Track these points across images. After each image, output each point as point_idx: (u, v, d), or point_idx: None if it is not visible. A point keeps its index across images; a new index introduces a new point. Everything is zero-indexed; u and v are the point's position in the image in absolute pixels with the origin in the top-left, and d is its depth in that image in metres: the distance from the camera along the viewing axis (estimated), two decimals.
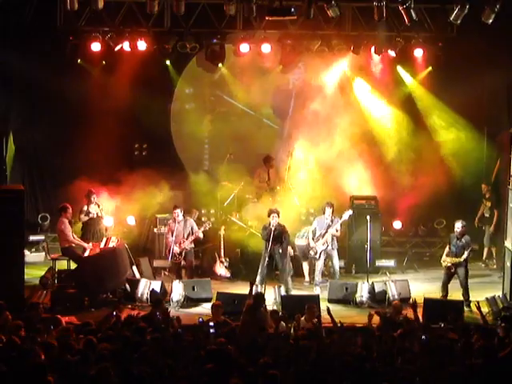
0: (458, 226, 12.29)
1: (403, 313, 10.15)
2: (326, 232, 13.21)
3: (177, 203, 13.73)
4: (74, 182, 13.89)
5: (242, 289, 12.22)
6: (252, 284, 10.52)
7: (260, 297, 10.34)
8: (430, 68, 15.21)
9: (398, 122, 15.66)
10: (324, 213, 13.32)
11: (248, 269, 13.75)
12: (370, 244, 13.24)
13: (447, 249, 12.47)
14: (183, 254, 13.33)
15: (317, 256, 13.27)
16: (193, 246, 13.50)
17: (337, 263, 13.38)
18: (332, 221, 13.26)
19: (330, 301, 12.42)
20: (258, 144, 15.87)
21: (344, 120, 15.10)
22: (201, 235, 13.37)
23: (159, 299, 10.92)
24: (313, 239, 13.29)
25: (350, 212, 13.46)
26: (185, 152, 16.74)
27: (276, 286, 12.44)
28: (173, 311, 11.31)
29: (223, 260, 14.09)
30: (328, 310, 9.35)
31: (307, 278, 13.84)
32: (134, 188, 14.04)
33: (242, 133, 15.89)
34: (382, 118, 15.77)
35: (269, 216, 12.57)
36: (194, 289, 12.48)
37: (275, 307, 11.63)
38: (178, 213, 13.28)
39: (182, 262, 13.39)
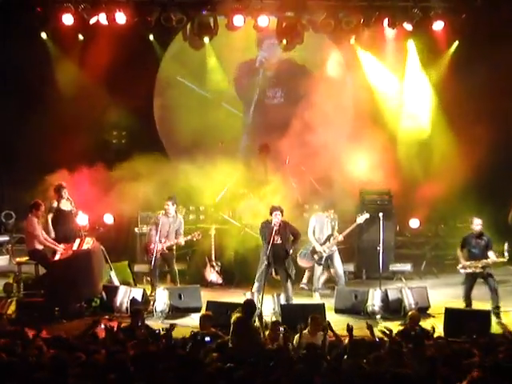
0: (478, 222, 12.26)
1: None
2: (332, 235, 13.28)
3: (171, 195, 13.60)
4: (43, 176, 13.87)
5: (235, 297, 12.31)
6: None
7: (250, 305, 10.27)
8: (457, 43, 15.27)
9: (415, 104, 15.86)
10: (324, 210, 13.40)
11: (243, 274, 13.79)
12: (382, 245, 13.13)
13: (459, 252, 12.43)
14: (160, 254, 13.13)
15: (322, 261, 13.35)
16: (173, 248, 13.37)
17: (340, 266, 13.39)
18: (333, 219, 13.34)
19: (336, 311, 12.45)
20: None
21: (348, 101, 15.21)
22: (182, 241, 13.30)
23: (137, 309, 10.86)
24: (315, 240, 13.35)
25: (367, 215, 13.43)
26: (170, 141, 16.75)
27: (275, 294, 12.39)
28: (158, 323, 11.29)
29: (214, 264, 14.10)
30: (328, 324, 9.43)
31: (305, 280, 13.88)
32: (112, 182, 14.06)
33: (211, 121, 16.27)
34: (394, 99, 15.89)
35: (271, 214, 12.52)
36: (180, 297, 12.47)
37: (274, 318, 11.63)
38: (170, 205, 13.17)
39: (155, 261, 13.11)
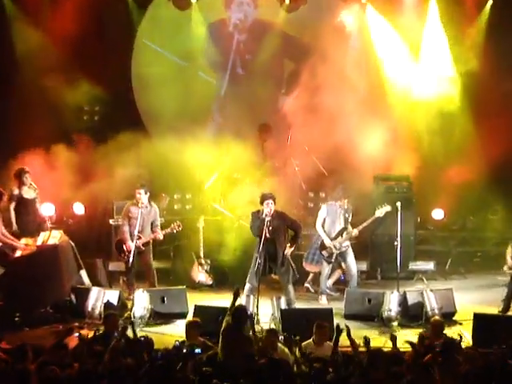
0: None
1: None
2: (345, 229, 13.26)
3: (143, 182, 13.60)
4: (2, 160, 13.96)
5: (228, 301, 12.11)
6: (236, 294, 10.43)
7: (241, 312, 10.19)
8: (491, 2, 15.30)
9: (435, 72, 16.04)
10: (336, 199, 13.35)
11: (236, 274, 13.75)
12: (400, 240, 13.13)
13: (510, 249, 12.48)
14: (136, 252, 13.07)
15: (332, 259, 13.35)
16: (150, 244, 13.31)
17: (353, 265, 13.38)
18: (346, 210, 13.33)
19: (346, 316, 12.38)
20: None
21: (355, 69, 15.58)
22: (160, 235, 13.23)
23: (110, 313, 10.79)
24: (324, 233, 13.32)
25: (388, 208, 13.40)
26: (150, 116, 16.85)
27: (274, 298, 12.34)
28: (136, 331, 11.17)
29: (203, 262, 14.11)
30: (348, 331, 9.29)
31: (310, 279, 13.98)
32: (84, 165, 14.12)
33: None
34: (408, 67, 16.08)
35: (262, 203, 12.46)
36: (163, 301, 12.43)
37: (273, 325, 11.55)
38: (142, 194, 13.11)
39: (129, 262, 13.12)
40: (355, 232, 13.34)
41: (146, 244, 13.15)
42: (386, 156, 15.03)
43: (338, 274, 13.87)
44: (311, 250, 14.06)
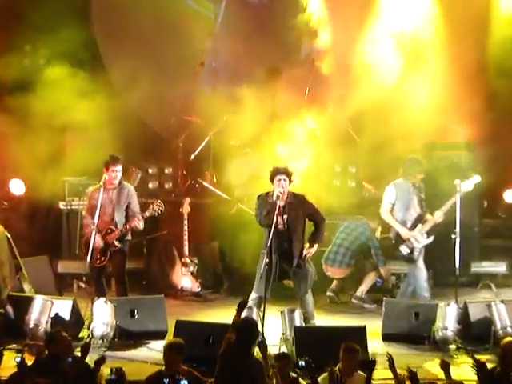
0: None
1: None
2: (424, 214, 13.29)
3: (112, 154, 13.34)
4: None
5: (222, 314, 12.44)
6: (242, 306, 10.40)
7: (250, 327, 10.12)
8: None
9: None
10: (408, 176, 13.38)
11: (235, 278, 14.18)
12: (460, 232, 13.14)
13: None
14: (109, 251, 13.17)
15: (414, 255, 13.36)
16: (128, 237, 13.37)
17: (423, 268, 13.40)
18: (420, 190, 13.47)
19: (386, 337, 12.50)
20: None
21: None
22: (140, 226, 13.22)
23: (56, 332, 10.69)
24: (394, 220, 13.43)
25: (477, 179, 13.54)
26: (112, 48, 16.95)
27: (285, 310, 12.34)
28: (96, 355, 11.10)
29: (188, 261, 14.30)
30: (390, 360, 9.26)
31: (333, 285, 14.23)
32: (21, 129, 14.20)
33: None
34: None
35: (272, 180, 12.50)
36: (133, 314, 12.51)
37: (285, 348, 11.64)
38: (119, 172, 13.03)
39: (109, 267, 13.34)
40: (439, 215, 13.32)
41: (120, 239, 13.14)
42: (440, 119, 15.34)
43: (372, 277, 13.92)
44: (333, 247, 14.19)
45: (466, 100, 15.16)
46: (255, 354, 9.95)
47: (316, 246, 12.49)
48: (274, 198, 12.24)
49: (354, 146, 15.52)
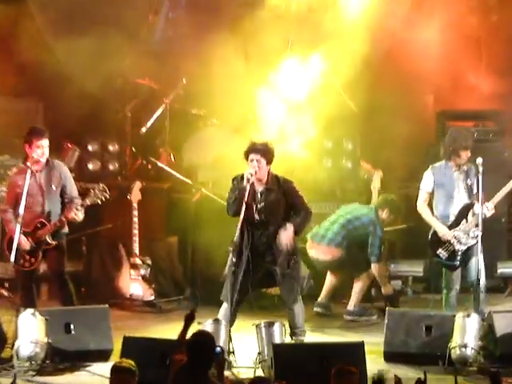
0: None
1: None
2: (471, 206, 13.23)
3: (34, 125, 13.70)
4: None
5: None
6: (190, 318, 10.30)
7: (202, 342, 10.14)
8: None
9: None
10: (448, 157, 13.32)
11: (197, 284, 14.63)
12: (482, 225, 13.19)
13: None
14: (41, 250, 13.19)
15: (456, 261, 13.37)
16: (65, 231, 13.40)
17: (481, 269, 13.25)
18: (468, 174, 13.26)
19: (387, 356, 12.46)
20: None
21: None
22: (79, 217, 13.19)
23: None
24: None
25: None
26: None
27: (262, 323, 12.39)
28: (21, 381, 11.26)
29: (138, 262, 14.43)
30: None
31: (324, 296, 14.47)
32: None
33: None
34: None
35: (246, 158, 12.55)
36: (69, 329, 12.49)
37: (261, 371, 11.77)
38: (46, 147, 13.02)
39: (40, 269, 13.27)
40: (490, 207, 13.09)
41: (55, 233, 13.18)
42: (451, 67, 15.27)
43: (363, 282, 14.41)
44: (326, 222, 14.79)
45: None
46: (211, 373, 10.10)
47: (290, 230, 12.54)
48: (245, 182, 12.38)
49: (351, 116, 15.57)
